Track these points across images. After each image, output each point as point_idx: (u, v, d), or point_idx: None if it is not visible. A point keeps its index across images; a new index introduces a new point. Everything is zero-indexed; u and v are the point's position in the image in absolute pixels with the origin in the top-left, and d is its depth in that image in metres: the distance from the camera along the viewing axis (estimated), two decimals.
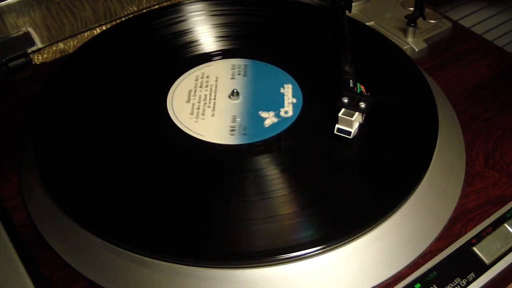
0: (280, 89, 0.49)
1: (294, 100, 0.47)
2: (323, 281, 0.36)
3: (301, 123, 0.46)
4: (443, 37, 0.59)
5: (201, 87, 0.49)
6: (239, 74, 0.50)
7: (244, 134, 0.44)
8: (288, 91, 0.48)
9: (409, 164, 0.42)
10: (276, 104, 0.47)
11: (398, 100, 0.43)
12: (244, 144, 0.44)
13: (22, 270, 0.36)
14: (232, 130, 0.45)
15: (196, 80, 0.50)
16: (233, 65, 0.51)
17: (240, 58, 0.52)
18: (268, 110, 0.47)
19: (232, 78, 0.50)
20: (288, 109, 0.46)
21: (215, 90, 0.49)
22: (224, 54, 0.53)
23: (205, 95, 0.48)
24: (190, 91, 0.49)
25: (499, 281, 0.39)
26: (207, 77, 0.50)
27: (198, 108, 0.46)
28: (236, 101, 0.48)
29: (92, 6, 0.58)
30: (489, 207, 0.42)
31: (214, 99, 0.47)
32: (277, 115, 0.46)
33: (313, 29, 0.56)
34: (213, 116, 0.46)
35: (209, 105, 0.47)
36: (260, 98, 0.48)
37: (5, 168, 0.46)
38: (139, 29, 0.55)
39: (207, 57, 0.52)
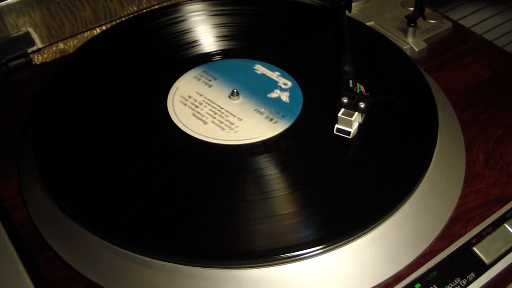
0: (254, 71, 0.50)
1: (278, 73, 0.49)
2: (323, 281, 0.36)
3: (301, 123, 0.46)
4: (443, 37, 0.59)
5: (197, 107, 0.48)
6: (210, 80, 0.50)
7: (283, 116, 0.46)
8: (262, 69, 0.50)
9: (409, 164, 0.42)
10: (271, 83, 0.49)
11: (397, 100, 0.43)
12: (244, 144, 0.44)
13: (22, 270, 0.36)
14: (271, 119, 0.45)
15: (199, 79, 0.50)
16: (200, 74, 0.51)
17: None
18: (271, 90, 0.48)
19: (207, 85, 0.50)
20: (281, 80, 0.48)
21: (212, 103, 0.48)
22: (224, 54, 0.53)
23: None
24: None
25: (499, 281, 0.39)
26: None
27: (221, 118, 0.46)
28: (237, 101, 0.48)
29: (92, 6, 0.58)
30: (489, 207, 0.42)
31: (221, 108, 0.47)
32: (281, 88, 0.48)
33: (313, 29, 0.56)
34: (241, 120, 0.46)
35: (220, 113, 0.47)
36: (254, 87, 0.49)
37: (5, 168, 0.46)
38: (139, 29, 0.55)
39: (207, 57, 0.52)
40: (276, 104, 0.47)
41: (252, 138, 0.44)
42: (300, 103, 0.47)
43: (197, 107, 0.47)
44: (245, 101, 0.48)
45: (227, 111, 0.47)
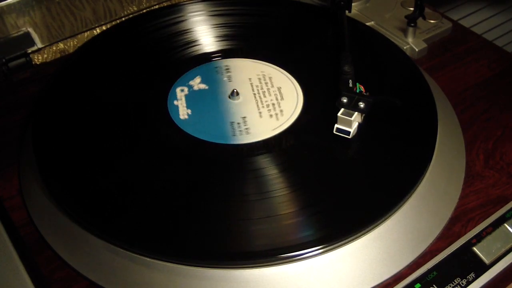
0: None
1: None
2: (323, 281, 0.36)
3: (301, 123, 0.46)
4: (443, 37, 0.59)
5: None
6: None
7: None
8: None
9: (409, 164, 0.42)
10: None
11: (397, 100, 0.43)
12: (244, 144, 0.44)
13: (22, 270, 0.36)
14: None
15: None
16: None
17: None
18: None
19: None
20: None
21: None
22: (224, 54, 0.53)
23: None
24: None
25: (499, 281, 0.39)
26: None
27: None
28: (237, 101, 0.48)
29: (92, 6, 0.58)
30: (489, 207, 0.42)
31: None
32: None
33: (313, 29, 0.56)
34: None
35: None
36: None
37: (5, 168, 0.46)
38: (139, 29, 0.55)
39: (207, 57, 0.52)
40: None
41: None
42: (300, 103, 0.47)
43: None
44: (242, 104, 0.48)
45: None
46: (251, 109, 0.47)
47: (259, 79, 0.50)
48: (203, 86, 0.49)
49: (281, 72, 0.51)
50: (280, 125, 0.45)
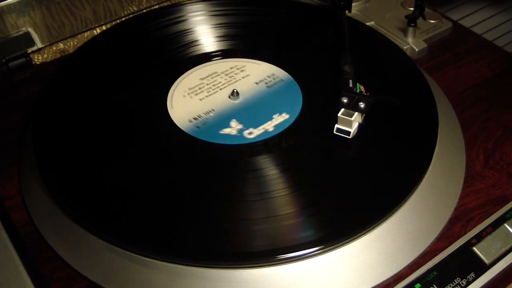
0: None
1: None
2: (323, 281, 0.36)
3: (301, 123, 0.46)
4: (443, 37, 0.59)
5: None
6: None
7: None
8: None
9: (409, 164, 0.42)
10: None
11: (397, 100, 0.43)
12: (244, 144, 0.44)
13: (22, 270, 0.36)
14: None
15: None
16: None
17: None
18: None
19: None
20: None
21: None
22: (224, 54, 0.53)
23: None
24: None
25: (499, 281, 0.39)
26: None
27: None
28: (237, 101, 0.48)
29: (92, 6, 0.58)
30: (489, 207, 0.42)
31: None
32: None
33: (313, 29, 0.56)
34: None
35: None
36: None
37: (5, 168, 0.46)
38: (139, 29, 0.55)
39: (207, 57, 0.52)
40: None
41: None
42: (300, 103, 0.47)
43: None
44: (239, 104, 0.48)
45: None
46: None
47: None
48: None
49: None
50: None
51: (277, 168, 0.42)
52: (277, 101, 0.48)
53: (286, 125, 0.45)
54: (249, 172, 0.41)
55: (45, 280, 0.38)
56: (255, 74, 0.51)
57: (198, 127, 0.45)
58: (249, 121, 0.46)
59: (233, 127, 0.45)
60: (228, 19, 0.56)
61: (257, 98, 0.48)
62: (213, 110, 0.47)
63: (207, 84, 0.50)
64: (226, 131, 0.45)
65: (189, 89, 0.49)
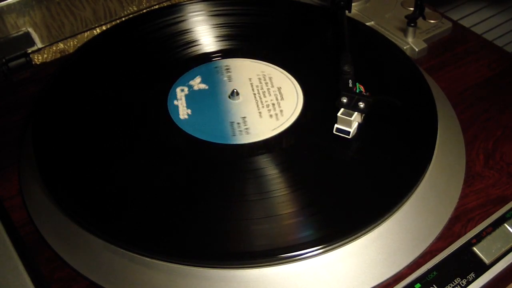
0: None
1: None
2: (323, 281, 0.36)
3: (301, 123, 0.46)
4: (443, 37, 0.59)
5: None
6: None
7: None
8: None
9: (409, 164, 0.42)
10: None
11: (397, 100, 0.43)
12: (244, 144, 0.44)
13: (22, 270, 0.36)
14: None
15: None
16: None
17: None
18: None
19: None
20: None
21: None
22: (224, 54, 0.53)
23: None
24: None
25: (499, 281, 0.39)
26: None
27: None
28: (237, 101, 0.48)
29: (92, 6, 0.58)
30: (489, 207, 0.42)
31: None
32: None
33: (313, 29, 0.56)
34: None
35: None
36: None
37: (5, 168, 0.46)
38: (139, 29, 0.55)
39: (207, 57, 0.52)
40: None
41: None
42: (300, 103, 0.47)
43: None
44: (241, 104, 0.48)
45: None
46: (251, 109, 0.47)
47: (259, 79, 0.50)
48: (203, 86, 0.49)
49: (281, 72, 0.51)
50: (280, 125, 0.45)
51: (277, 168, 0.42)
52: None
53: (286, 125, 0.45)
54: (249, 172, 0.41)
55: (45, 280, 0.38)
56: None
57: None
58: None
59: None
60: (228, 19, 0.56)
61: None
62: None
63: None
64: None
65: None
